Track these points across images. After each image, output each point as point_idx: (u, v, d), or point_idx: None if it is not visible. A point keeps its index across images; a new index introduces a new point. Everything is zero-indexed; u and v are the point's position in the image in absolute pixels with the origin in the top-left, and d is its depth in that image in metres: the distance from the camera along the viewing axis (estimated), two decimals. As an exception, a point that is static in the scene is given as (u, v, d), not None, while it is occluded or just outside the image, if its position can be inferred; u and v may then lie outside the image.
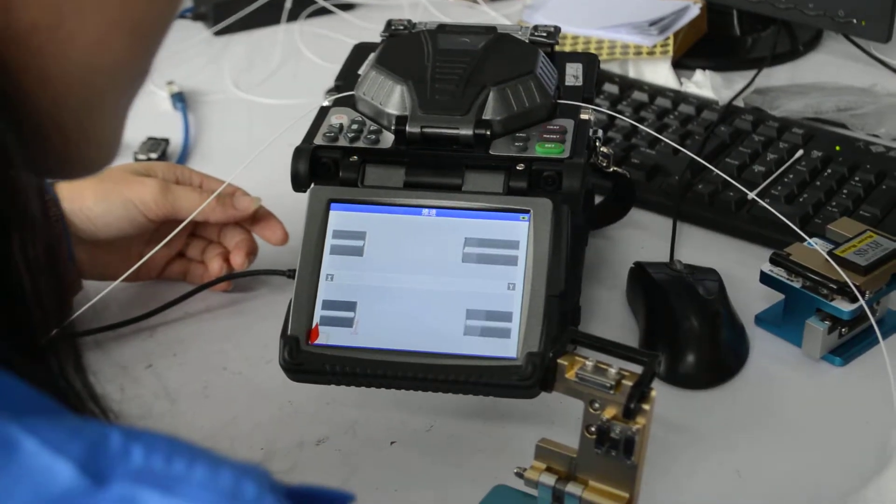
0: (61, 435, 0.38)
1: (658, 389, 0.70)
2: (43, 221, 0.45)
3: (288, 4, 1.47)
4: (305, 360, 0.80)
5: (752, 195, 1.02)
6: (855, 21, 1.24)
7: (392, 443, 0.87)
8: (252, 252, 1.01)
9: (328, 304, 0.82)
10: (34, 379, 0.41)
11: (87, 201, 0.94)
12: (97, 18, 0.45)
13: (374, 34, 0.99)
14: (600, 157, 0.93)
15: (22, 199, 0.43)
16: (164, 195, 0.95)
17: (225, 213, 0.98)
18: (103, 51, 0.46)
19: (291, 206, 0.93)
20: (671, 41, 1.33)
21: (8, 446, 0.37)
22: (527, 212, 0.83)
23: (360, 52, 0.98)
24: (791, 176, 1.11)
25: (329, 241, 0.84)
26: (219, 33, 1.46)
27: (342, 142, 0.87)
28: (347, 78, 0.94)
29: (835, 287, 0.90)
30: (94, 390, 0.47)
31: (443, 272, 0.82)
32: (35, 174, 0.44)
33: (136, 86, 0.50)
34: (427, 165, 0.85)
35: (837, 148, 1.15)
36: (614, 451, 0.69)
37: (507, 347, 0.79)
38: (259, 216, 1.01)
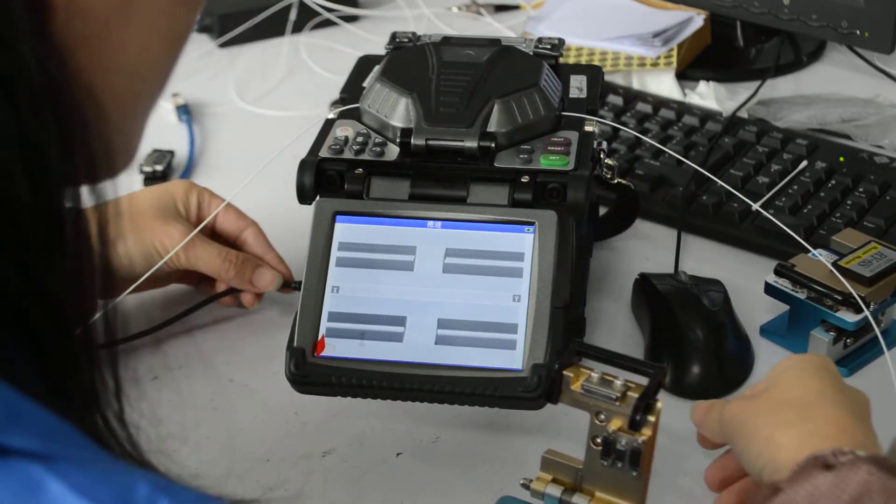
0: (89, 480, 0.37)
1: (663, 401, 0.70)
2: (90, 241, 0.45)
3: (292, 16, 1.48)
4: (312, 372, 0.81)
5: (755, 206, 1.02)
6: (858, 32, 1.24)
7: (398, 454, 0.87)
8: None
9: (334, 317, 0.82)
10: (68, 413, 0.41)
11: None
12: (142, 28, 0.46)
13: (379, 46, 0.99)
14: (605, 169, 0.93)
15: (73, 221, 0.44)
16: (186, 253, 0.95)
17: (241, 284, 0.97)
18: (145, 59, 0.47)
19: (297, 219, 0.94)
20: (675, 52, 1.33)
21: (35, 489, 0.36)
22: (531, 224, 0.83)
23: (364, 64, 0.98)
24: (795, 187, 1.11)
25: (335, 254, 0.84)
26: (224, 45, 1.47)
27: (347, 154, 0.87)
28: (352, 90, 0.94)
29: (839, 298, 0.90)
30: (132, 432, 0.47)
31: (448, 284, 0.82)
32: (72, 185, 0.44)
33: (161, 91, 0.52)
34: (432, 178, 0.86)
35: (841, 159, 1.15)
36: (620, 462, 0.70)
37: (513, 359, 0.80)
38: (263, 261, 0.99)
